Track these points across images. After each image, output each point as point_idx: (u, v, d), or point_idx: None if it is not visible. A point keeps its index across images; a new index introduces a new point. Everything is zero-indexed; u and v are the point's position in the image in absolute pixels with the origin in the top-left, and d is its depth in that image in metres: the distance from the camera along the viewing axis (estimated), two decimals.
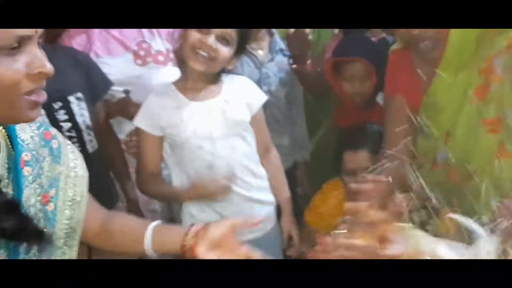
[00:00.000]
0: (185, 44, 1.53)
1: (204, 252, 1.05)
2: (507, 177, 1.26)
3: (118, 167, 1.94)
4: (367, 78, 1.97)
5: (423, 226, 1.05)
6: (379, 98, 2.04)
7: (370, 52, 1.98)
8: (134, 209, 1.92)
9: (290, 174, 2.24)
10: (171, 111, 1.59)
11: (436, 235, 0.94)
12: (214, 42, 1.50)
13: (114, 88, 1.87)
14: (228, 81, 1.66)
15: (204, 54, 1.51)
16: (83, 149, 1.69)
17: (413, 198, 1.06)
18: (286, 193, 1.82)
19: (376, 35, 2.22)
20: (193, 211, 1.66)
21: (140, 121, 1.62)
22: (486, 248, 0.82)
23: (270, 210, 1.75)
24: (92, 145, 1.75)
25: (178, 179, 1.66)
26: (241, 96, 1.65)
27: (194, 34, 1.50)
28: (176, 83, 1.64)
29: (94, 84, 1.79)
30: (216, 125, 1.59)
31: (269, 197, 1.75)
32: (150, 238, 1.11)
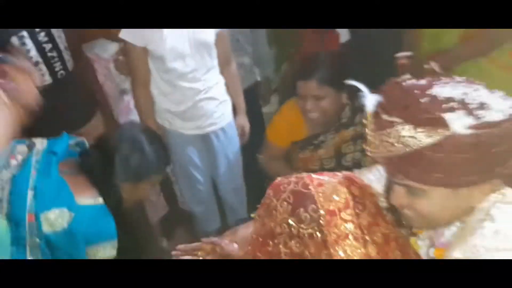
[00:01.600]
0: None
1: None
2: None
3: None
4: None
5: None
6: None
7: None
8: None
9: (251, 91, 2.55)
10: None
11: None
12: None
13: None
14: None
15: None
16: (64, 67, 1.97)
17: None
18: (240, 96, 2.29)
19: None
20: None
21: (126, 34, 1.93)
22: (370, 101, 0.96)
23: (226, 107, 2.21)
24: (70, 64, 2.02)
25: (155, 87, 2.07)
26: None
27: None
28: None
29: None
30: (186, 43, 1.95)
31: (226, 97, 2.20)
32: None
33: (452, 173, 0.85)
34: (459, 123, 0.83)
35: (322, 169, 1.96)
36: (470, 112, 0.84)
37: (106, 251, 1.41)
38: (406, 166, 0.88)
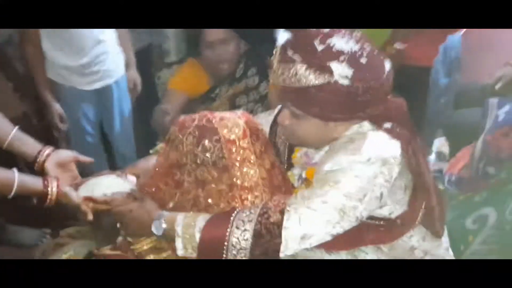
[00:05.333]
0: None
1: (50, 168, 1.32)
2: None
3: None
4: None
5: None
6: None
7: None
8: None
9: (145, 52, 2.67)
10: None
11: None
12: None
13: None
14: None
15: None
16: None
17: None
18: (130, 50, 2.39)
19: None
20: None
21: None
22: (282, 37, 1.08)
23: (120, 59, 2.31)
24: None
25: None
26: None
27: None
28: None
29: None
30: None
31: (118, 49, 2.29)
32: (12, 137, 1.32)
33: (326, 109, 1.06)
34: (341, 73, 1.01)
35: None
36: (351, 65, 1.02)
37: None
38: (294, 96, 1.07)
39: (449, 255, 1.32)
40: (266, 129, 1.35)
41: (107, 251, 1.40)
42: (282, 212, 1.06)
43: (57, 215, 1.51)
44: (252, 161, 1.17)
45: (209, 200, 1.18)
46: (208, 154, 1.14)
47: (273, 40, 1.10)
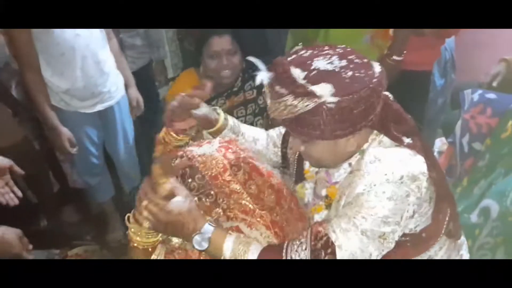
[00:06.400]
0: None
1: None
2: None
3: None
4: None
5: None
6: None
7: None
8: None
9: (146, 69, 2.74)
10: None
11: None
12: None
13: None
14: None
15: None
16: None
17: None
18: (128, 70, 2.44)
19: None
20: None
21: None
22: (265, 76, 1.08)
23: (119, 80, 2.36)
24: None
25: None
26: None
27: None
28: None
29: None
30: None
31: (116, 70, 2.35)
32: None
33: (326, 130, 1.06)
34: (326, 93, 1.02)
35: None
36: (337, 82, 1.03)
37: None
38: (295, 126, 1.08)
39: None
40: (277, 140, 1.38)
41: None
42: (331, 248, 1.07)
43: (64, 235, 1.53)
44: (239, 191, 1.18)
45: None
46: (194, 193, 1.15)
47: (270, 53, 1.10)
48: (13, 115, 2.24)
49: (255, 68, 1.10)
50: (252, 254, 1.08)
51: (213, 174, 1.16)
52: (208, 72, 2.14)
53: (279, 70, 1.05)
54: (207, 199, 1.15)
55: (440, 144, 2.81)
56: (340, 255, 1.06)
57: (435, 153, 2.69)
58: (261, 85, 1.11)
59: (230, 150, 1.23)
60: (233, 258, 1.09)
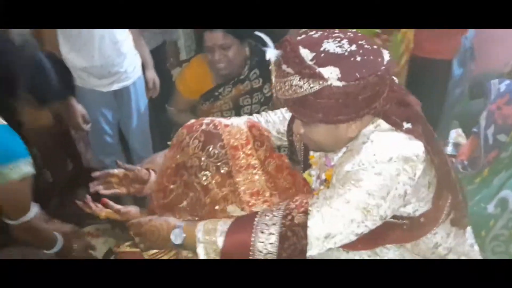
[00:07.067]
0: None
1: None
2: None
3: None
4: None
5: None
6: None
7: None
8: None
9: (159, 50, 2.74)
10: None
11: None
12: None
13: None
14: None
15: None
16: None
17: None
18: (147, 51, 2.45)
19: None
20: None
21: None
22: (273, 54, 1.06)
23: (137, 61, 2.37)
24: None
25: None
26: None
27: None
28: None
29: None
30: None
31: (134, 51, 2.35)
32: None
33: (329, 114, 1.05)
34: (333, 76, 1.00)
35: None
36: (346, 65, 1.01)
37: (21, 169, 1.36)
38: (297, 107, 1.07)
39: (474, 252, 1.31)
40: (280, 126, 1.37)
41: (126, 248, 1.44)
42: (305, 213, 1.07)
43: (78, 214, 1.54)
44: (256, 167, 1.19)
45: (216, 207, 1.20)
46: (212, 160, 1.17)
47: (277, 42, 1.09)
48: None
49: (261, 55, 1.07)
50: (222, 226, 1.10)
51: (235, 144, 1.18)
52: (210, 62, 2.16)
53: (287, 49, 1.04)
54: (224, 168, 1.18)
55: (455, 135, 2.77)
56: (313, 218, 1.06)
57: (450, 145, 2.66)
58: (267, 74, 1.10)
59: (255, 128, 1.25)
60: (207, 240, 1.10)
